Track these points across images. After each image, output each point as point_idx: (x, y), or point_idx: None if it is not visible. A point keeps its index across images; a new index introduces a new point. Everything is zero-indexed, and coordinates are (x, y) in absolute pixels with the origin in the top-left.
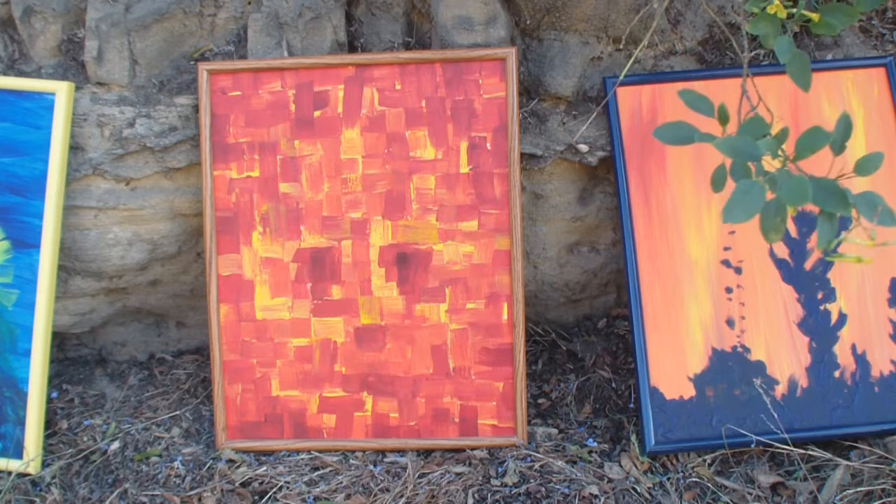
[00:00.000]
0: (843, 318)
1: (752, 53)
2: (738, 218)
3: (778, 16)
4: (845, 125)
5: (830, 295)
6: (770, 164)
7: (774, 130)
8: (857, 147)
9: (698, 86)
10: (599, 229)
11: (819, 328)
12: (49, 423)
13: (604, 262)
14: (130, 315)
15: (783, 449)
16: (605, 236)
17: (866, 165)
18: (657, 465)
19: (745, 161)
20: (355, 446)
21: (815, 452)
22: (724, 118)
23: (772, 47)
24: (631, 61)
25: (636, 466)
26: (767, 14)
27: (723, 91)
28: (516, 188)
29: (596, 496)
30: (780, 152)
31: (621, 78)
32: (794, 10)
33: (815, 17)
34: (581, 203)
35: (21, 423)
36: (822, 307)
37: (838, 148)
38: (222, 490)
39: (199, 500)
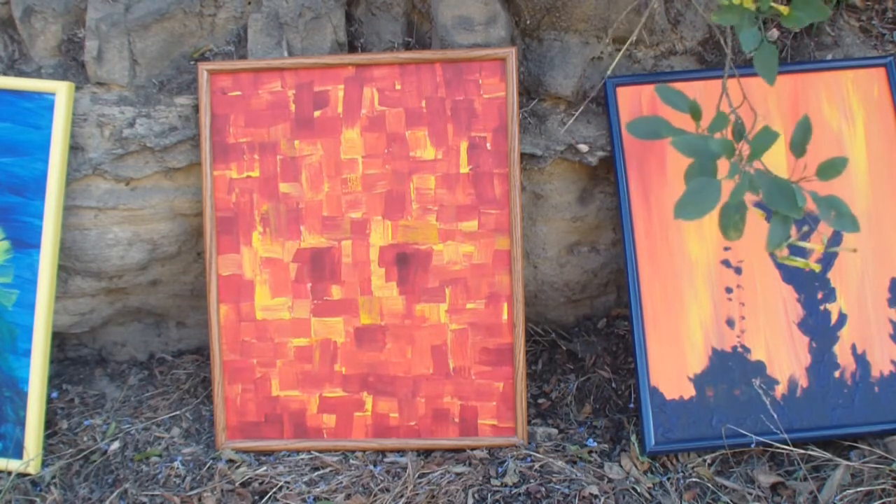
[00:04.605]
0: (843, 317)
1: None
2: (691, 215)
3: (745, 6)
4: (804, 129)
5: (830, 295)
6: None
7: (757, 129)
8: (857, 147)
9: (698, 86)
10: (599, 229)
11: (819, 328)
12: (49, 423)
13: (604, 262)
14: (130, 315)
15: (783, 449)
16: (605, 236)
17: (828, 170)
18: (657, 465)
19: (700, 159)
20: (355, 446)
21: (815, 452)
22: (696, 114)
23: (751, 44)
24: (620, 54)
25: (636, 466)
26: (734, 4)
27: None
28: (516, 188)
29: (596, 496)
30: (737, 152)
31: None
32: (763, 2)
33: (784, 9)
34: (581, 203)
35: (21, 423)
36: (822, 307)
37: (798, 150)
38: (222, 490)
39: (199, 500)
